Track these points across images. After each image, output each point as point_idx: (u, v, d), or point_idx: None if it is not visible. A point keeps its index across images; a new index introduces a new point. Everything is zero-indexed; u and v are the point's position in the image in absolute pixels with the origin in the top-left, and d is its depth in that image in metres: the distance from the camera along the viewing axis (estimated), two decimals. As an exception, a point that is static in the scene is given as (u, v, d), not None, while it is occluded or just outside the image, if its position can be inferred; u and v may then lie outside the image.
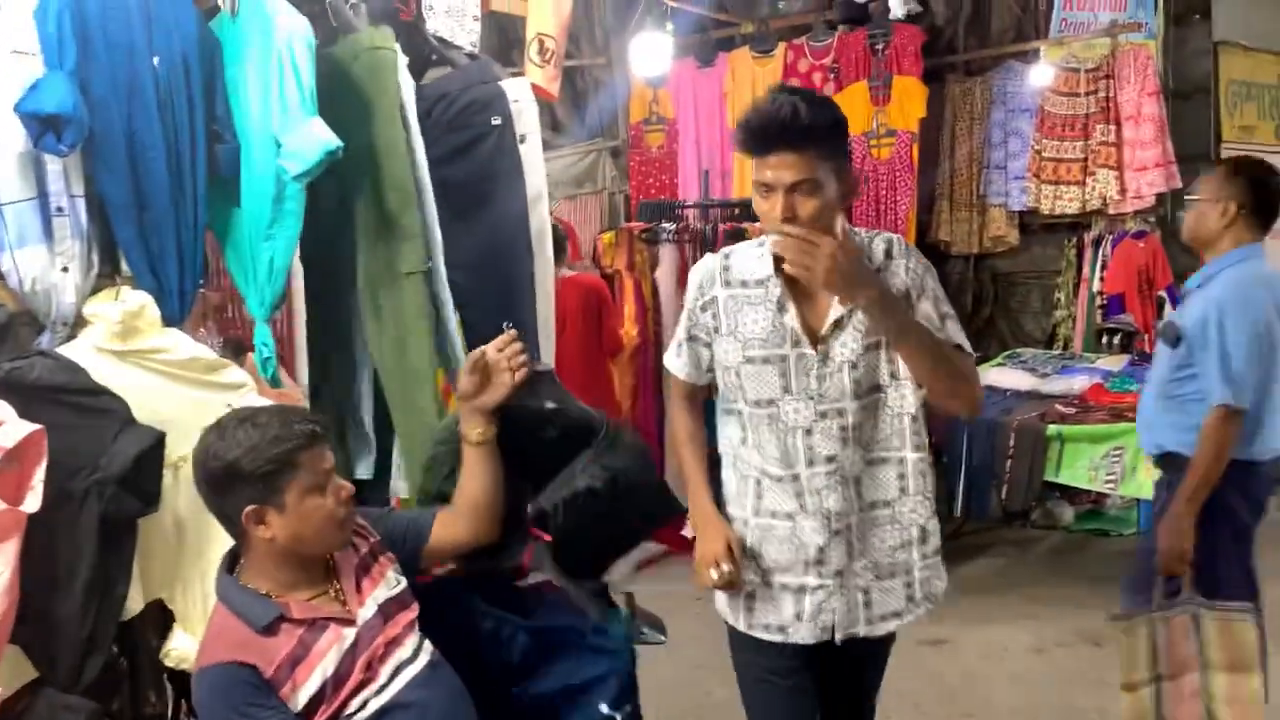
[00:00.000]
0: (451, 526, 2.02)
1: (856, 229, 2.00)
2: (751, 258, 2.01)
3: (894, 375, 1.98)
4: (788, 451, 1.98)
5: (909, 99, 5.82)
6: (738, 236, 4.47)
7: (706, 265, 2.07)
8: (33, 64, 1.96)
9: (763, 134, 1.84)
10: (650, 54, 5.50)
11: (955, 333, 1.98)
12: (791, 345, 1.95)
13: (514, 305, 2.58)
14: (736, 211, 5.08)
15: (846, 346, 1.94)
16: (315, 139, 2.14)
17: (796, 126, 1.81)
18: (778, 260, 1.89)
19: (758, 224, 4.34)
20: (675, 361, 2.14)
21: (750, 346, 1.98)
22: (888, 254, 1.98)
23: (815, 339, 1.95)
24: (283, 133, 2.17)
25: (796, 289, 1.95)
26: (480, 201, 2.47)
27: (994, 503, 4.72)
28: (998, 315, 6.72)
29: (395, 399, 2.51)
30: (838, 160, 1.88)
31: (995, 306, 6.72)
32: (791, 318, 1.95)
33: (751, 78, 6.19)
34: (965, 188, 6.41)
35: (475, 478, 2.03)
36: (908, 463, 2.02)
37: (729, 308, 2.01)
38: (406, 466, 2.55)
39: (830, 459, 1.97)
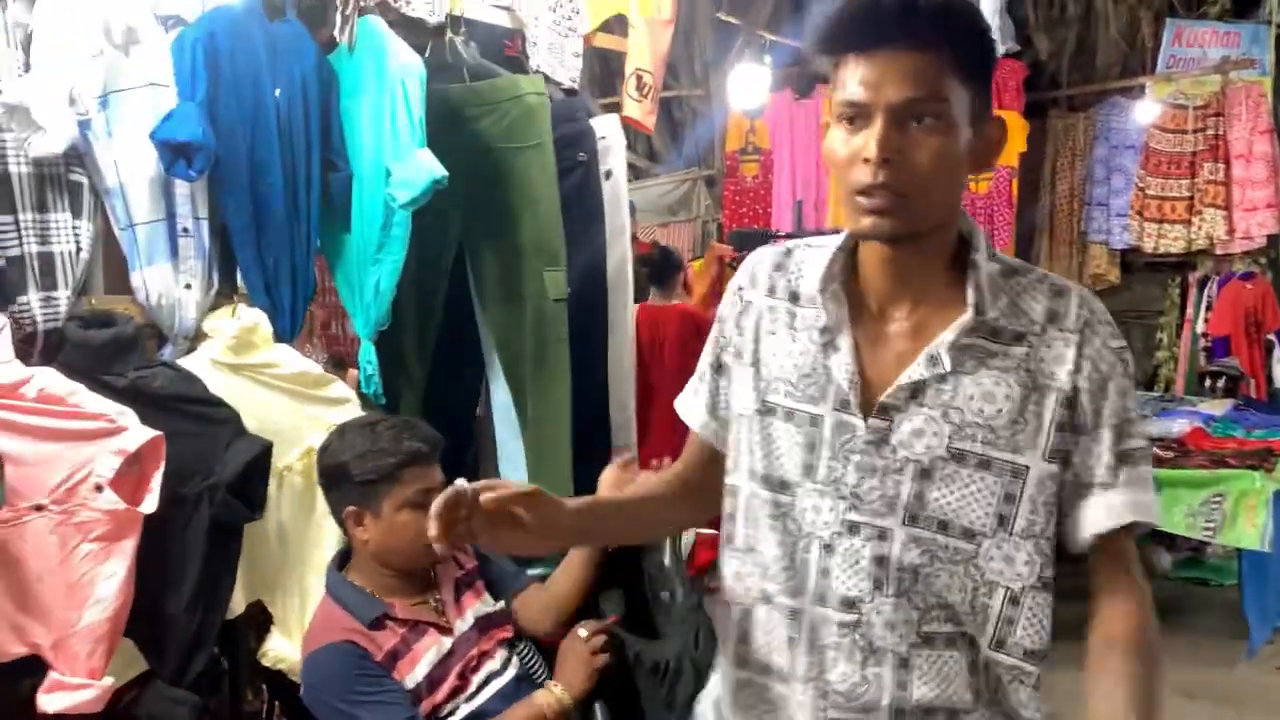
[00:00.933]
0: (529, 605, 2.06)
1: (1003, 256, 1.22)
2: (822, 260, 1.21)
3: (1005, 523, 1.14)
4: (795, 569, 1.20)
5: (1008, 133, 5.78)
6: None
7: (755, 258, 1.30)
8: (167, 95, 2.10)
9: (873, 14, 1.09)
10: (748, 85, 5.56)
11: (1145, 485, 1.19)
12: (833, 405, 1.17)
13: (587, 340, 2.66)
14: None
15: (922, 437, 1.14)
16: (423, 169, 2.24)
17: (927, 6, 1.08)
18: (849, 252, 1.21)
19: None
20: (688, 402, 1.36)
21: (773, 390, 1.22)
22: (1051, 317, 1.16)
23: (870, 404, 1.16)
24: (393, 162, 2.28)
25: (865, 318, 1.20)
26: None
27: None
28: (1096, 354, 6.58)
29: (532, 414, 2.59)
30: (978, 90, 1.12)
31: (1094, 345, 6.58)
32: (843, 361, 1.17)
33: (849, 110, 6.21)
34: (1065, 224, 6.32)
35: (566, 575, 2.05)
36: (980, 650, 1.18)
37: (762, 325, 1.25)
38: (537, 478, 2.59)
39: (849, 604, 1.16)
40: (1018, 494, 1.13)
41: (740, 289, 1.28)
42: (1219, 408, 5.08)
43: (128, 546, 1.99)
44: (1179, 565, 5.36)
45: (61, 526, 1.94)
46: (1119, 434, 1.15)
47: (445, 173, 2.24)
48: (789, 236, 5.40)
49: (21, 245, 1.98)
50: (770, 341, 1.24)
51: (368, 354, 2.50)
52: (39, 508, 1.93)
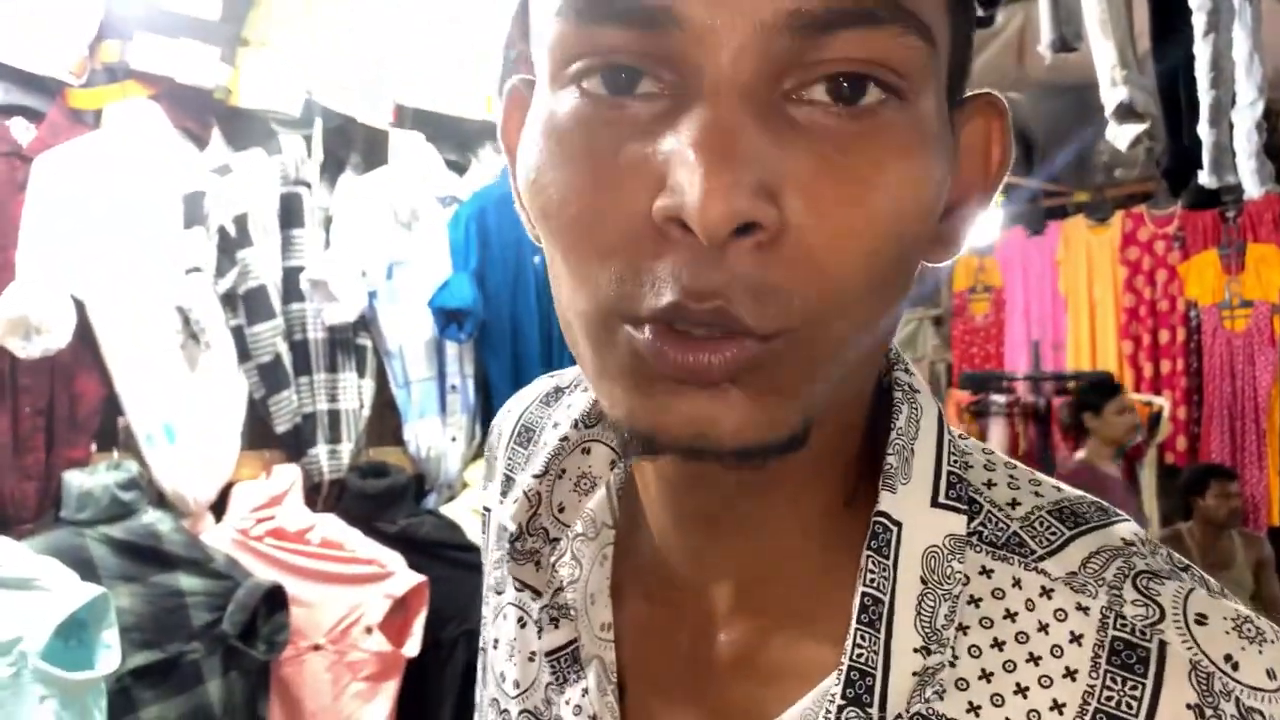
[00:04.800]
0: None
1: (1008, 471, 0.45)
2: (576, 459, 0.50)
3: None
4: None
5: (1267, 267, 5.42)
6: (1075, 420, 4.28)
7: (505, 410, 0.62)
8: (442, 266, 2.31)
9: None
10: (978, 224, 5.51)
11: None
12: None
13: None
14: (1072, 385, 4.88)
15: None
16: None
17: None
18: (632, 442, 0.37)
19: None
20: None
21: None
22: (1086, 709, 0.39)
23: None
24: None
25: (645, 591, 0.48)
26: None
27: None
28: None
29: None
30: (961, 13, 0.38)
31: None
32: (585, 710, 0.47)
33: (1086, 246, 6.02)
34: (1340, 363, 5.79)
35: None
36: None
37: (490, 569, 0.60)
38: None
39: None
40: None
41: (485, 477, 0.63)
42: None
43: (391, 687, 2.11)
44: None
45: (335, 666, 2.08)
46: None
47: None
48: (1027, 380, 5.22)
49: (314, 403, 2.19)
50: (499, 618, 0.56)
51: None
52: (316, 647, 2.08)
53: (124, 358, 1.95)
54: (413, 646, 2.13)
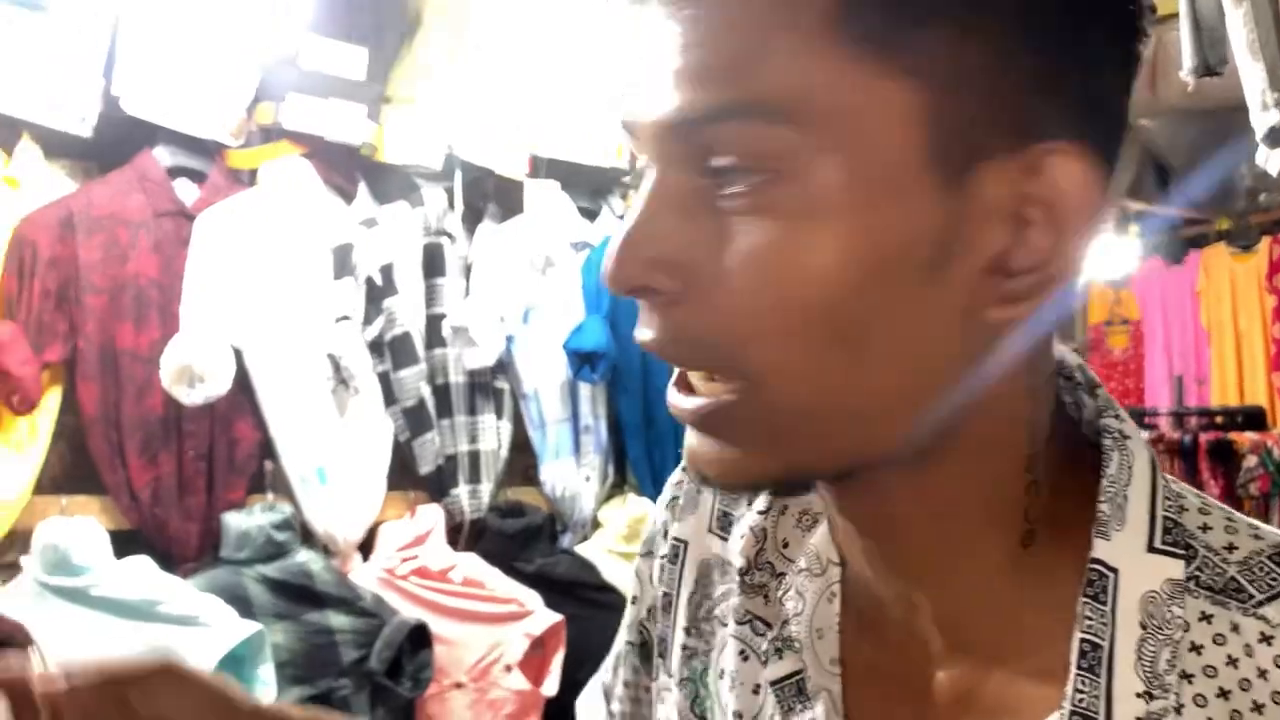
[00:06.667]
0: None
1: (1227, 523, 0.44)
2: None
3: None
4: None
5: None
6: (1224, 451, 4.08)
7: None
8: (575, 309, 2.36)
9: None
10: (1113, 256, 5.33)
11: None
12: None
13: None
14: (1219, 420, 4.66)
15: None
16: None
17: None
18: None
19: (1252, 434, 3.91)
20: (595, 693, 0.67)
21: None
22: None
23: None
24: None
25: (866, 641, 0.49)
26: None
27: None
28: None
29: None
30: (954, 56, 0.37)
31: None
32: None
33: (1230, 275, 5.76)
34: None
35: None
36: None
37: (695, 605, 0.57)
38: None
39: None
40: None
41: (667, 516, 0.61)
42: None
43: (531, 726, 2.13)
44: None
45: (477, 704, 2.12)
46: None
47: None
48: (1170, 415, 4.99)
49: (456, 445, 2.26)
50: (720, 643, 0.56)
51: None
52: (459, 685, 2.12)
53: (279, 403, 2.05)
54: (551, 685, 2.16)
